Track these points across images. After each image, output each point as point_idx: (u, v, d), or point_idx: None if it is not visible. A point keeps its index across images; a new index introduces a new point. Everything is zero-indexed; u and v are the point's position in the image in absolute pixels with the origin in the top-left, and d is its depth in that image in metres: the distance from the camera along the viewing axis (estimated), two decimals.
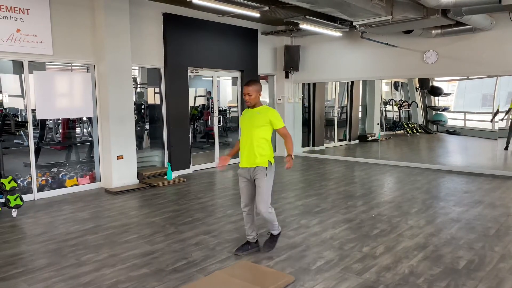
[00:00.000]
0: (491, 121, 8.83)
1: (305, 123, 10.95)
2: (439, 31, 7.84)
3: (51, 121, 7.85)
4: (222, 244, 4.27)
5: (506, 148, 8.82)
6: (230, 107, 11.88)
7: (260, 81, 10.09)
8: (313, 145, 10.97)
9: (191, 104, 8.85)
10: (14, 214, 5.33)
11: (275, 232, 4.09)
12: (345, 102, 11.62)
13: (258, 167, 3.79)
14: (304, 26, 7.81)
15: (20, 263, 3.85)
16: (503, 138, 8.64)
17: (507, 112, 8.84)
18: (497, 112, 8.67)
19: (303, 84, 10.76)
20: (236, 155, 4.17)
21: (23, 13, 5.86)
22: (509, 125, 8.93)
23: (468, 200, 5.89)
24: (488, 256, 3.89)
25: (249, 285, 3.29)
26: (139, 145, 8.43)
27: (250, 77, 9.26)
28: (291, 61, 9.87)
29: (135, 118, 7.45)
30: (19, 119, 7.18)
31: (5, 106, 8.19)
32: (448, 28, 7.65)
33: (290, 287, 3.32)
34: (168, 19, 7.68)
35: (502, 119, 8.87)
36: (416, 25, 7.31)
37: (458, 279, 3.43)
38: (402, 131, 11.76)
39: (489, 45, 7.59)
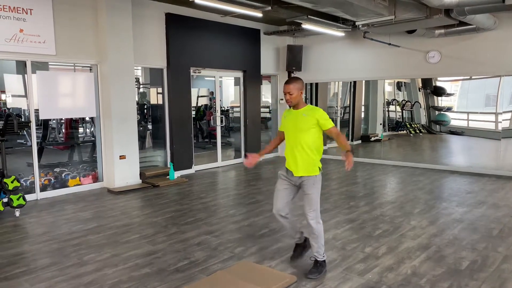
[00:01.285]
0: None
1: None
2: (442, 31, 7.82)
3: (54, 121, 7.87)
4: (224, 244, 4.27)
5: None
6: (232, 107, 11.88)
7: (263, 81, 10.19)
8: None
9: (193, 104, 8.86)
10: (17, 213, 5.35)
11: (320, 257, 3.51)
12: (348, 102, 11.59)
13: (305, 176, 3.51)
14: (306, 26, 7.79)
15: (22, 263, 3.87)
16: (506, 139, 8.58)
17: None
18: None
19: (306, 84, 10.75)
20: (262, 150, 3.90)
21: (26, 13, 5.88)
22: None
23: (471, 201, 5.87)
24: (491, 256, 3.88)
25: (251, 285, 3.29)
26: (142, 145, 8.43)
27: (252, 77, 9.31)
28: (293, 61, 9.86)
29: (138, 118, 7.46)
30: (22, 119, 7.19)
31: (8, 106, 8.23)
32: (451, 28, 7.62)
33: None
34: (170, 19, 7.69)
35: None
36: (419, 25, 7.29)
37: (460, 279, 3.41)
38: (405, 131, 11.71)
39: (492, 45, 7.56)
